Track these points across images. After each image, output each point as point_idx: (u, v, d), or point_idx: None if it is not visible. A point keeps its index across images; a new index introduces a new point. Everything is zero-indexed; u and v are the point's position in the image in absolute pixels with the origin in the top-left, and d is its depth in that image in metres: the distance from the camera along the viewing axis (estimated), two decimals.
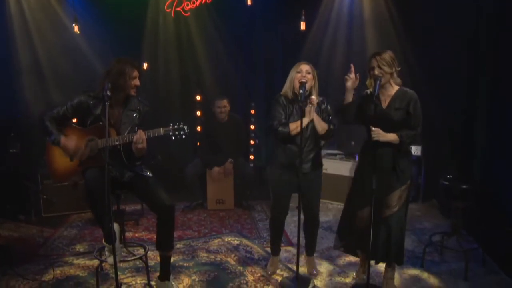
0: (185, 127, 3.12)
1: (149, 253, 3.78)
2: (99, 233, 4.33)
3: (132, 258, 3.65)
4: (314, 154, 3.50)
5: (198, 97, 6.12)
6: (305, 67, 3.41)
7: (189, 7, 6.05)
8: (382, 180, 3.15)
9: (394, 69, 3.16)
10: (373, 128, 3.12)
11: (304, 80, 3.33)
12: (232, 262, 3.93)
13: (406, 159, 3.25)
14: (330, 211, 5.34)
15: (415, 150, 5.36)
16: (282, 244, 3.85)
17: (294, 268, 3.51)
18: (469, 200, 3.86)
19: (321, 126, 3.40)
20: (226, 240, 4.46)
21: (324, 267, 3.84)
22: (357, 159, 5.51)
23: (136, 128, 3.23)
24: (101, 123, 3.18)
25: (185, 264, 3.88)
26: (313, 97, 3.39)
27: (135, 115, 3.30)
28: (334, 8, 6.11)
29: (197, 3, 6.01)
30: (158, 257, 3.39)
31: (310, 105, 3.35)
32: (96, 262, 3.62)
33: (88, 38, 5.87)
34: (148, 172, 3.34)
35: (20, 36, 5.74)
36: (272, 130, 3.49)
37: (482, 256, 3.84)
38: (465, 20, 5.03)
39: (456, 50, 5.16)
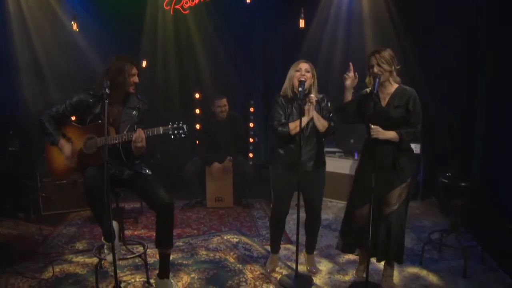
0: (184, 126, 3.11)
1: (148, 251, 3.78)
2: (98, 231, 4.33)
3: (131, 256, 3.65)
4: (317, 152, 3.49)
5: (197, 95, 6.12)
6: (304, 66, 3.40)
7: (188, 5, 6.04)
8: (382, 177, 3.16)
9: (393, 67, 3.16)
10: (372, 126, 3.12)
11: (303, 79, 3.33)
12: (231, 260, 3.94)
13: (407, 157, 3.24)
14: (330, 209, 5.35)
15: (414, 148, 5.34)
16: (281, 242, 3.85)
17: (294, 266, 3.51)
18: (468, 198, 3.86)
19: (321, 124, 3.39)
20: (225, 238, 4.46)
21: (323, 265, 3.85)
22: (356, 157, 5.53)
23: (136, 126, 3.23)
24: (100, 121, 3.18)
25: (184, 262, 3.88)
26: (312, 95, 3.39)
27: (134, 113, 3.29)
28: (333, 6, 6.11)
29: (196, 1, 6.01)
30: (158, 255, 3.40)
31: (309, 104, 3.35)
32: (95, 260, 3.62)
33: (87, 36, 5.86)
34: (147, 170, 3.34)
35: (18, 34, 5.73)
36: (272, 131, 3.51)
37: (481, 254, 3.85)
38: (465, 19, 5.03)
39: (456, 49, 5.17)
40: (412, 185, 3.36)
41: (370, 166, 3.15)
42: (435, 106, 5.31)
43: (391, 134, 3.14)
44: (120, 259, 3.51)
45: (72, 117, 3.36)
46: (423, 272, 3.71)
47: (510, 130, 4.19)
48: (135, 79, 3.23)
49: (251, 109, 6.24)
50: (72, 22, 5.60)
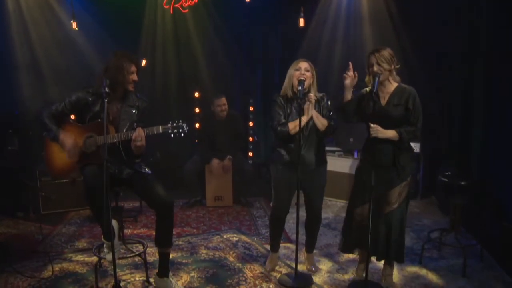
0: (184, 125, 3.11)
1: (148, 250, 3.78)
2: (98, 230, 4.33)
3: (131, 255, 3.65)
4: (318, 151, 3.49)
5: (196, 94, 6.12)
6: (303, 65, 3.39)
7: (187, 3, 6.04)
8: (382, 176, 3.16)
9: (393, 66, 3.16)
10: (371, 125, 3.12)
11: (302, 78, 3.33)
12: (231, 259, 3.94)
13: (407, 155, 3.24)
14: (329, 208, 5.35)
15: (414, 147, 5.35)
16: (281, 241, 3.84)
17: (293, 265, 3.51)
18: (468, 197, 3.86)
19: (321, 123, 3.39)
20: (225, 237, 4.46)
21: (323, 264, 3.85)
22: (356, 156, 5.53)
23: (135, 124, 3.23)
24: (99, 120, 3.17)
25: (184, 261, 3.88)
26: (311, 94, 3.39)
27: (133, 111, 3.29)
28: (333, 5, 6.10)
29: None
30: (157, 254, 3.40)
31: (308, 103, 3.35)
32: (95, 259, 3.62)
33: (86, 35, 5.85)
34: (147, 169, 3.34)
35: (17, 32, 5.72)
36: (272, 131, 3.51)
37: (480, 252, 3.85)
38: (465, 18, 5.03)
39: (456, 48, 5.17)
40: (412, 184, 3.36)
41: (370, 165, 3.15)
42: (434, 105, 5.32)
43: (391, 133, 3.14)
44: (119, 258, 3.51)
45: (71, 116, 3.37)
46: (423, 271, 3.71)
47: (509, 129, 4.20)
48: (134, 77, 3.22)
49: (251, 108, 6.25)
50: (71, 21, 5.59)
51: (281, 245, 3.88)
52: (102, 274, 3.54)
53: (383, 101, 3.21)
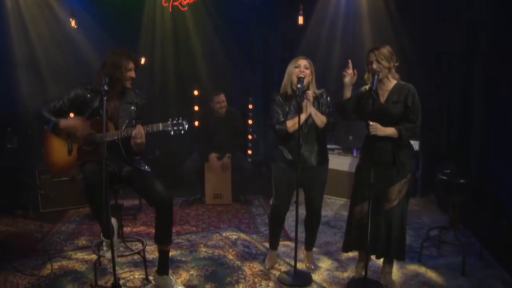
0: (184, 123, 3.11)
1: (147, 248, 3.78)
2: (97, 228, 4.33)
3: (130, 253, 3.65)
4: (319, 149, 3.48)
5: (196, 92, 6.11)
6: (303, 62, 3.39)
7: (186, 1, 6.03)
8: (382, 173, 3.16)
9: (392, 64, 3.16)
10: (370, 123, 3.12)
11: (302, 75, 3.33)
12: (230, 257, 3.94)
13: (407, 153, 3.24)
14: (329, 206, 5.35)
15: (413, 144, 5.38)
16: (280, 239, 3.85)
17: (292, 262, 3.51)
18: (467, 195, 3.87)
19: (320, 120, 3.38)
20: (224, 235, 4.46)
21: (322, 262, 3.85)
22: (355, 154, 5.53)
23: (134, 121, 3.23)
24: (99, 117, 3.17)
25: (183, 259, 3.88)
26: (309, 91, 3.39)
27: (132, 108, 3.29)
28: (332, 2, 6.10)
29: None
30: (156, 252, 3.40)
31: (306, 100, 3.35)
32: (94, 257, 3.62)
33: (85, 33, 5.84)
34: (146, 167, 3.34)
35: (16, 31, 5.71)
36: (271, 129, 3.52)
37: (479, 250, 3.86)
38: (464, 16, 5.03)
39: (455, 46, 5.16)
40: (412, 181, 3.36)
41: (370, 163, 3.15)
42: (433, 103, 5.32)
43: (390, 131, 3.14)
44: (119, 256, 3.51)
45: (70, 114, 3.36)
46: (422, 269, 3.71)
47: (509, 129, 4.19)
48: (132, 74, 3.22)
49: (250, 106, 6.24)
50: (70, 19, 5.58)
51: (280, 243, 3.88)
52: (102, 272, 3.54)
53: (382, 99, 3.21)
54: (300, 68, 3.37)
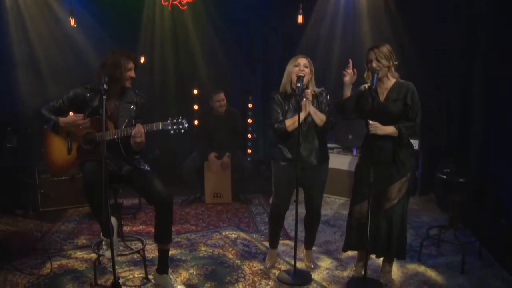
0: (184, 121, 3.11)
1: (147, 247, 3.78)
2: (97, 227, 4.33)
3: (130, 252, 3.65)
4: (319, 147, 3.48)
5: (195, 91, 6.11)
6: (302, 61, 3.39)
7: (186, 0, 6.03)
8: (382, 172, 3.16)
9: (391, 63, 3.15)
10: (370, 122, 3.12)
11: (301, 74, 3.32)
12: (230, 256, 3.94)
13: (407, 151, 3.24)
14: (328, 205, 5.35)
15: (413, 144, 5.38)
16: (280, 238, 3.84)
17: (292, 261, 3.51)
18: (467, 194, 3.87)
19: (319, 118, 3.38)
20: (224, 234, 4.47)
21: (322, 261, 3.85)
22: (354, 153, 5.53)
23: (133, 120, 3.23)
24: (98, 116, 3.17)
25: (183, 258, 3.88)
26: (308, 90, 3.39)
27: (132, 107, 3.29)
28: (332, 1, 6.10)
29: None
30: (156, 251, 3.40)
31: (305, 99, 3.35)
32: (94, 256, 3.62)
33: (84, 32, 5.85)
34: (146, 166, 3.33)
35: (16, 29, 5.72)
36: (270, 128, 3.52)
37: (479, 249, 3.86)
38: (464, 15, 5.03)
39: (455, 45, 5.16)
40: (412, 180, 3.36)
41: (370, 162, 3.15)
42: (433, 102, 5.31)
43: (390, 129, 3.13)
44: (118, 255, 3.51)
45: (70, 113, 3.36)
46: (421, 268, 3.71)
47: (509, 129, 4.19)
48: (132, 73, 3.22)
49: (250, 105, 6.24)
50: (70, 18, 5.58)
51: (280, 242, 3.88)
52: (101, 271, 3.54)
53: (382, 97, 3.21)
54: (300, 67, 3.37)
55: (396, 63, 3.18)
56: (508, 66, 4.18)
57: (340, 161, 5.53)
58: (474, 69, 4.93)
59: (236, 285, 3.43)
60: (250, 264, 3.78)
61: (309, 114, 3.38)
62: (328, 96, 3.50)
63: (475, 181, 4.06)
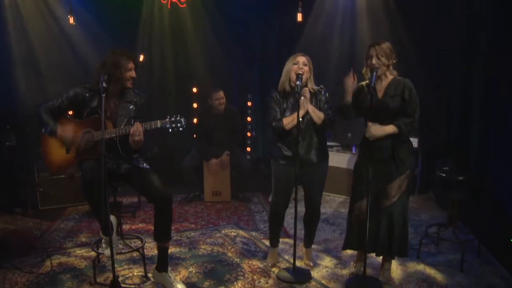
0: (182, 120, 3.10)
1: (146, 245, 3.79)
2: (96, 225, 4.33)
3: (129, 250, 3.65)
4: (318, 145, 3.47)
5: (194, 89, 6.10)
6: (301, 59, 3.39)
7: None
8: (381, 170, 3.16)
9: (391, 61, 3.15)
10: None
11: (300, 72, 3.32)
12: (229, 254, 3.94)
13: (406, 149, 3.24)
14: (328, 203, 5.35)
15: (412, 142, 5.38)
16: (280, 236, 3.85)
17: (291, 259, 3.51)
18: (465, 192, 3.87)
19: (317, 116, 3.38)
20: (223, 232, 4.47)
21: (321, 259, 3.86)
22: (353, 151, 5.53)
23: (133, 120, 3.22)
24: (97, 115, 3.16)
25: (182, 256, 3.88)
26: (306, 88, 3.39)
27: (131, 107, 3.28)
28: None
29: None
30: (156, 249, 3.40)
31: (303, 97, 3.34)
32: (93, 254, 3.63)
33: (83, 30, 5.84)
34: (145, 164, 3.33)
35: (14, 27, 5.70)
36: (268, 126, 3.52)
37: (478, 247, 3.86)
38: (464, 14, 5.02)
39: (455, 44, 5.16)
40: (411, 178, 3.37)
41: (368, 160, 3.15)
42: (432, 101, 5.31)
43: (390, 128, 3.13)
44: (118, 253, 3.51)
45: (69, 112, 3.35)
46: (420, 266, 3.72)
47: (509, 129, 4.19)
48: (132, 73, 3.21)
49: (249, 103, 6.23)
50: (69, 16, 5.57)
51: (280, 240, 3.88)
52: (101, 269, 3.54)
53: (380, 94, 3.21)
54: (299, 65, 3.36)
55: (395, 61, 3.18)
56: (508, 66, 4.17)
57: (339, 159, 5.53)
58: (474, 69, 4.93)
59: (235, 283, 3.43)
60: (250, 262, 3.78)
61: (307, 112, 3.37)
62: (327, 94, 3.50)
63: (474, 179, 4.06)
